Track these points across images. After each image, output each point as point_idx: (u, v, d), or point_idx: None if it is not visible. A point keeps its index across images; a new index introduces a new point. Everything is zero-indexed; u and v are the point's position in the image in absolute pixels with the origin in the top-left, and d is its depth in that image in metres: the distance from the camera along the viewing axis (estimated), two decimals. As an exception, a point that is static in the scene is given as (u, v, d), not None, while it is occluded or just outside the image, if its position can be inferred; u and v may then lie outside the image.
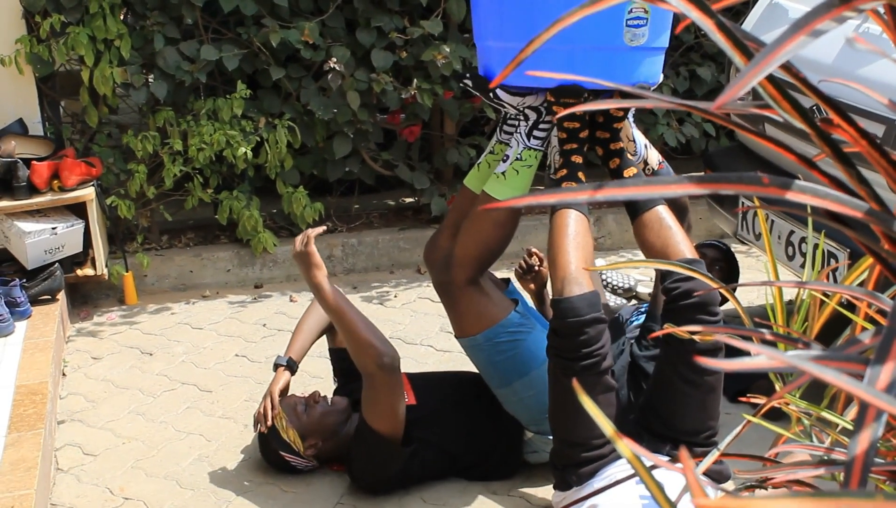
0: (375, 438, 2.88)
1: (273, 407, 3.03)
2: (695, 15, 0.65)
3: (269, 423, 3.01)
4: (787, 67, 0.64)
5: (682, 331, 1.25)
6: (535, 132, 2.84)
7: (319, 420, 3.03)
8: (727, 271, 3.83)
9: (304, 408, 3.04)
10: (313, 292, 2.89)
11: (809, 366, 0.54)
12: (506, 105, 2.86)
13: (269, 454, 3.08)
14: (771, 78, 0.62)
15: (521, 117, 2.87)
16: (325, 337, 3.31)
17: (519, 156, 2.84)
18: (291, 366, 3.15)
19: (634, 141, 2.96)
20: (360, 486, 3.00)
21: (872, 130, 2.92)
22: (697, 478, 0.59)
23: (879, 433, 0.57)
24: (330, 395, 3.17)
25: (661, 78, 2.86)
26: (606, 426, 0.77)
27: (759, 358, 0.59)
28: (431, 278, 3.06)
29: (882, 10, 0.73)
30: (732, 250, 3.92)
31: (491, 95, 2.83)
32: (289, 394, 3.11)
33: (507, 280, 3.18)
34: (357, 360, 2.87)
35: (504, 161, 2.87)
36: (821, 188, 0.62)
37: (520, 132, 2.86)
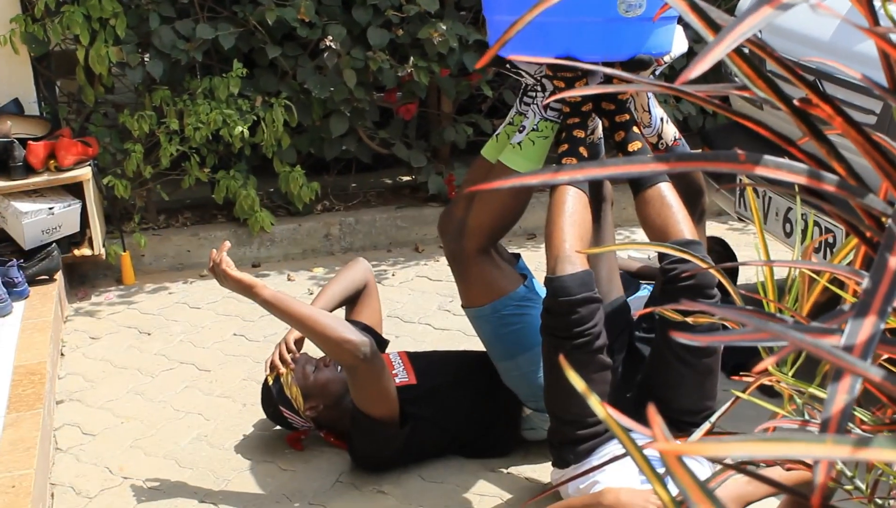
0: (372, 423, 2.88)
1: (290, 351, 3.02)
2: (667, -7, 0.65)
3: (291, 366, 2.99)
4: (760, 45, 0.64)
5: (667, 310, 1.25)
6: (552, 103, 2.84)
7: (325, 384, 3.01)
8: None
9: (314, 369, 3.03)
10: (265, 308, 2.83)
11: (785, 331, 0.55)
12: (524, 74, 2.85)
13: (269, 407, 3.07)
14: (745, 57, 0.62)
15: (539, 88, 2.86)
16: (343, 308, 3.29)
17: (535, 127, 2.84)
18: None
19: (650, 112, 2.91)
20: (360, 465, 3.01)
21: (870, 106, 2.92)
22: (666, 431, 0.59)
23: (856, 393, 0.58)
24: None
25: (673, 48, 2.80)
26: (593, 399, 0.77)
27: (741, 331, 0.60)
28: (444, 248, 3.04)
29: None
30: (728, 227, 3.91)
31: (508, 64, 2.81)
32: (301, 351, 3.10)
33: (518, 255, 3.16)
34: (335, 357, 2.87)
35: (521, 132, 2.86)
36: (794, 163, 0.63)
37: (537, 103, 2.86)
